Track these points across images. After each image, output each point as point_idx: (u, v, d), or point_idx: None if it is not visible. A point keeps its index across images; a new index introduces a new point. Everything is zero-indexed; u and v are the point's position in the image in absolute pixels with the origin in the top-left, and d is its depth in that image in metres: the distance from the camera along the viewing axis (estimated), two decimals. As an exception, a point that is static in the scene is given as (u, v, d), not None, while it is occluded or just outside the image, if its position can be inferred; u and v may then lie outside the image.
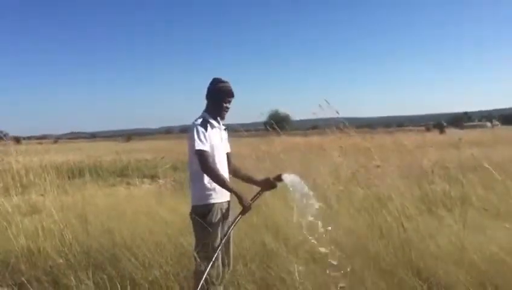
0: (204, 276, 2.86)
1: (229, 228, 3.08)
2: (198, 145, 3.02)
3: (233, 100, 3.24)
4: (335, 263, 2.87)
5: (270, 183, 3.20)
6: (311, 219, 2.85)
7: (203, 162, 3.03)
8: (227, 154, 3.35)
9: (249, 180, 3.40)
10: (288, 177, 3.10)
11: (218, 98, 3.18)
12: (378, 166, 4.09)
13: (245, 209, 3.02)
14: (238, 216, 3.07)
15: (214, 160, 3.11)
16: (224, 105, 3.19)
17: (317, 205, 2.93)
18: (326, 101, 4.20)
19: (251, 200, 3.11)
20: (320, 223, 2.82)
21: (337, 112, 4.32)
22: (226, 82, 3.20)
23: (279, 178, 3.16)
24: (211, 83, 3.23)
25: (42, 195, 5.19)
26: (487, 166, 3.95)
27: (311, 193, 2.96)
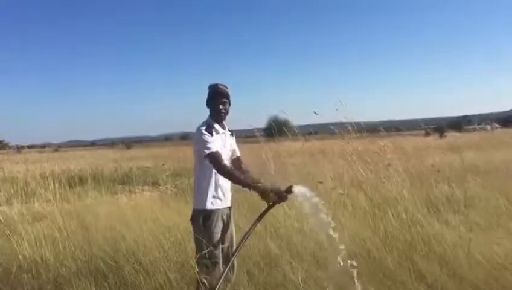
0: (218, 278, 2.84)
1: (250, 229, 2.86)
2: (208, 149, 3.01)
3: (228, 102, 3.20)
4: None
5: (281, 196, 2.91)
6: (330, 233, 2.72)
7: (218, 163, 3.00)
8: (237, 158, 3.34)
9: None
10: (299, 190, 2.89)
11: (212, 102, 3.19)
12: (386, 166, 4.09)
13: (279, 198, 2.81)
14: (266, 210, 2.85)
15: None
16: (218, 106, 3.17)
17: (330, 218, 2.77)
18: (315, 113, 4.18)
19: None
20: (336, 237, 2.73)
21: (337, 114, 4.30)
22: (218, 85, 3.20)
23: (289, 190, 2.90)
24: (207, 89, 3.24)
25: (45, 203, 5.19)
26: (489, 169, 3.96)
27: (321, 205, 2.85)
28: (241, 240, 2.84)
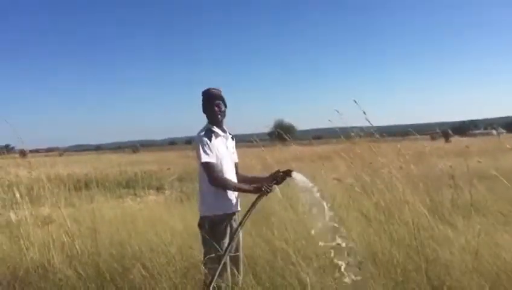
0: (212, 286, 2.84)
1: (244, 217, 3.05)
2: (204, 158, 3.03)
3: (223, 104, 3.21)
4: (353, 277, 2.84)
5: (279, 175, 3.13)
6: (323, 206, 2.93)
7: (211, 173, 3.03)
8: (235, 164, 3.33)
9: (256, 180, 3.36)
10: (298, 176, 3.09)
11: (207, 105, 3.20)
12: (392, 170, 4.08)
13: (264, 192, 3.02)
14: (256, 200, 3.04)
15: (221, 169, 3.10)
16: (213, 108, 3.18)
17: (327, 207, 2.95)
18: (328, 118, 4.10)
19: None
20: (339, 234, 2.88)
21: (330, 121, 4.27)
22: (210, 89, 3.23)
23: (288, 173, 3.12)
24: (201, 95, 3.26)
25: (51, 207, 5.21)
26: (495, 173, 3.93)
27: (319, 194, 2.99)
28: (244, 216, 3.03)
